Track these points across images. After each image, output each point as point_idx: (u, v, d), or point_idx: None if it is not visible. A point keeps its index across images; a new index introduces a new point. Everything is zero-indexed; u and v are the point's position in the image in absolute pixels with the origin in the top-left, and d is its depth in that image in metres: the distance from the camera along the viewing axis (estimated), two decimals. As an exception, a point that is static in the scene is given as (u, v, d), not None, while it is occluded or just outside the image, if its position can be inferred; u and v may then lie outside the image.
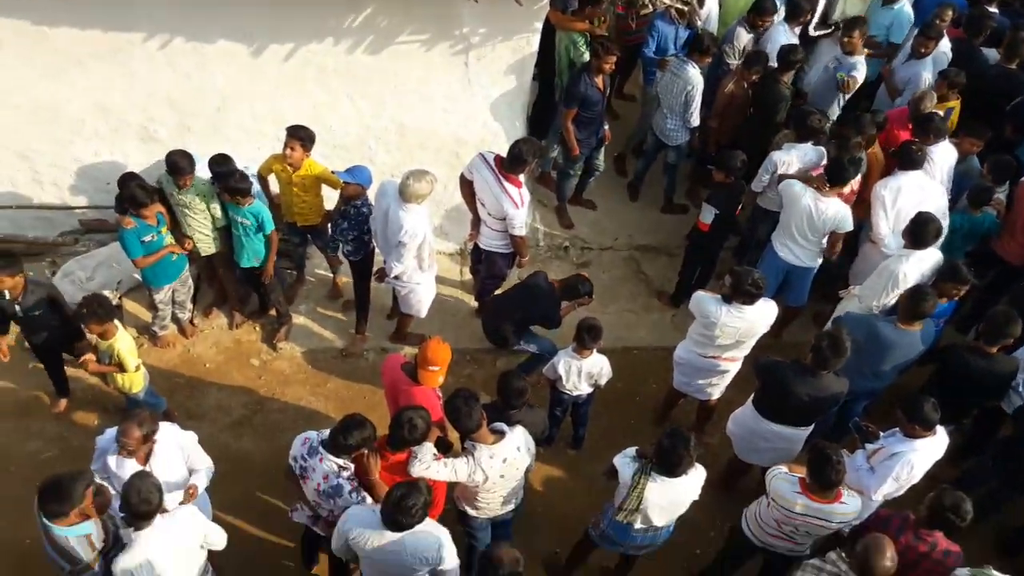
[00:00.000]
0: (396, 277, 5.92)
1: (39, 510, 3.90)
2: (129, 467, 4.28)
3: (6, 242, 6.92)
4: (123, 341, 5.26)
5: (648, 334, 6.89)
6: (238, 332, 6.67)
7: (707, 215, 6.35)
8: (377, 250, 6.13)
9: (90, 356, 5.32)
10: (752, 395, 5.22)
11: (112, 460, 4.32)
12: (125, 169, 6.32)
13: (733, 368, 5.57)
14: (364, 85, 6.47)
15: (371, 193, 5.99)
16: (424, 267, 5.92)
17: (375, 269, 6.30)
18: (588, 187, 7.76)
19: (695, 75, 6.85)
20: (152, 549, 3.90)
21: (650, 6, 7.41)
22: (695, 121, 7.13)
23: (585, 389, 5.54)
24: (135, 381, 5.47)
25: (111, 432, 4.39)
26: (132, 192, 5.54)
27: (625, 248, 7.61)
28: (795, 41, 7.11)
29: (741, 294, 5.14)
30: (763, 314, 5.27)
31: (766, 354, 5.34)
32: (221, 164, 5.89)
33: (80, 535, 3.98)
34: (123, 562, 3.87)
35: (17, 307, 5.29)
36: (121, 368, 5.30)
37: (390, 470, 4.38)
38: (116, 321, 5.24)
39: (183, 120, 6.51)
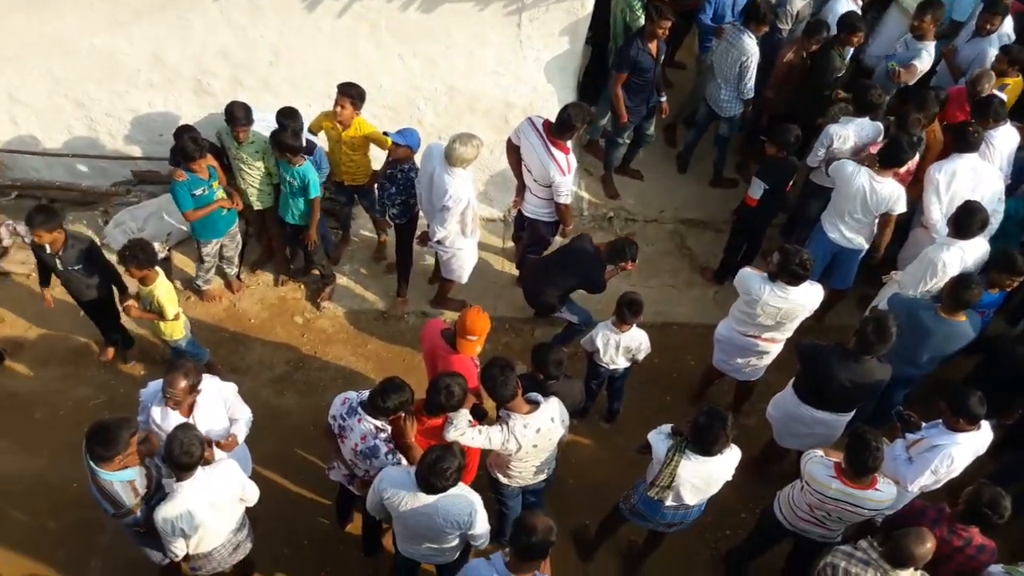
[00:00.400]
0: (439, 242, 5.94)
1: (86, 454, 4.03)
2: (173, 418, 4.40)
3: (61, 190, 7.10)
4: (162, 288, 5.33)
5: (689, 310, 6.82)
6: (283, 289, 6.77)
7: (756, 190, 6.22)
8: (421, 214, 6.14)
9: (132, 302, 5.42)
10: (793, 379, 5.15)
11: (157, 411, 4.44)
12: (179, 121, 6.42)
13: (773, 350, 5.50)
14: (416, 44, 6.43)
15: (418, 157, 5.98)
16: (467, 233, 5.92)
17: (418, 233, 6.32)
18: (636, 157, 7.65)
19: (751, 45, 6.66)
20: (193, 500, 4.02)
21: (709, -30, 7.20)
22: (749, 93, 6.95)
23: (622, 363, 5.52)
24: (175, 329, 5.57)
25: (154, 385, 4.51)
26: (184, 144, 5.60)
27: (670, 221, 7.51)
28: (856, 9, 6.85)
29: (787, 274, 5.05)
30: (808, 296, 5.17)
31: (808, 337, 5.26)
32: (288, 117, 5.82)
33: (124, 480, 4.11)
34: (164, 511, 4.00)
35: (57, 261, 5.40)
36: (161, 316, 5.41)
37: (426, 434, 4.44)
38: (157, 268, 5.32)
39: (236, 74, 6.55)
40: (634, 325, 5.37)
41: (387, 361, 6.30)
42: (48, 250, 5.33)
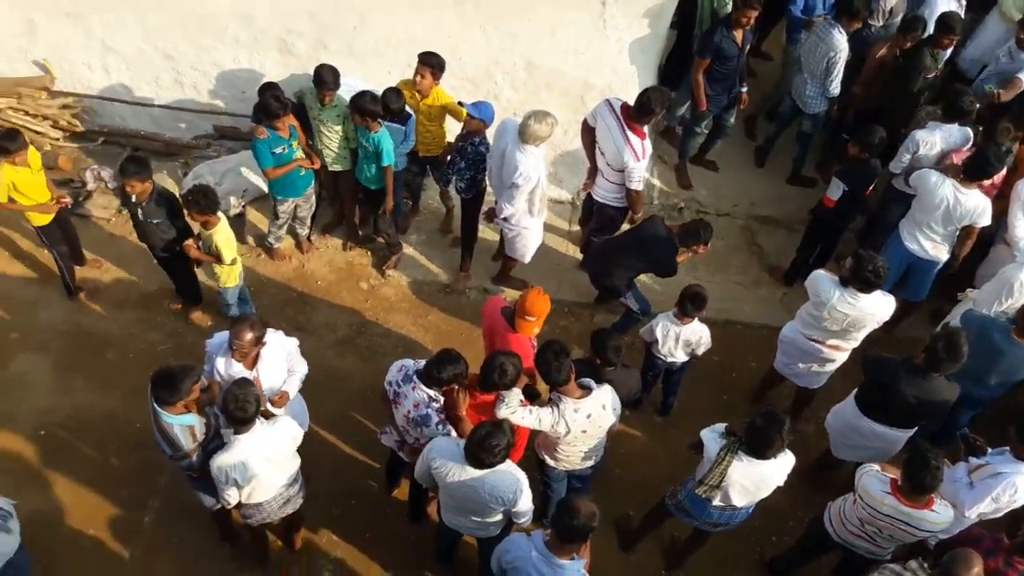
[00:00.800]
0: (505, 219, 5.94)
1: (151, 396, 4.18)
2: (237, 370, 4.53)
3: (145, 139, 7.31)
4: (222, 234, 5.45)
5: (754, 310, 6.68)
6: (351, 254, 6.87)
7: (835, 191, 6.04)
8: (489, 189, 6.14)
9: (191, 242, 5.57)
10: (856, 389, 5.02)
11: (221, 362, 4.57)
12: (262, 79, 6.52)
13: (838, 357, 5.36)
14: (499, 17, 6.40)
15: (491, 132, 5.97)
16: (534, 212, 5.90)
17: (485, 208, 6.33)
18: (713, 148, 7.50)
19: (841, 41, 6.44)
20: (249, 452, 4.15)
21: (806, -40, 6.97)
22: (836, 90, 6.73)
23: (681, 357, 5.46)
24: (230, 275, 5.70)
25: (220, 336, 4.64)
26: (267, 102, 5.69)
27: (743, 216, 7.35)
28: (957, 9, 6.56)
29: (859, 280, 4.90)
30: (878, 306, 5.02)
31: (875, 348, 5.11)
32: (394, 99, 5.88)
33: (184, 425, 4.26)
34: (220, 460, 4.14)
35: (140, 211, 5.55)
36: (219, 259, 5.53)
37: (477, 409, 4.47)
38: (220, 214, 5.44)
39: (320, 36, 6.62)
40: (696, 319, 5.30)
41: (446, 333, 6.36)
42: (134, 199, 5.50)
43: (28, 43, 7.00)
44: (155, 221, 5.57)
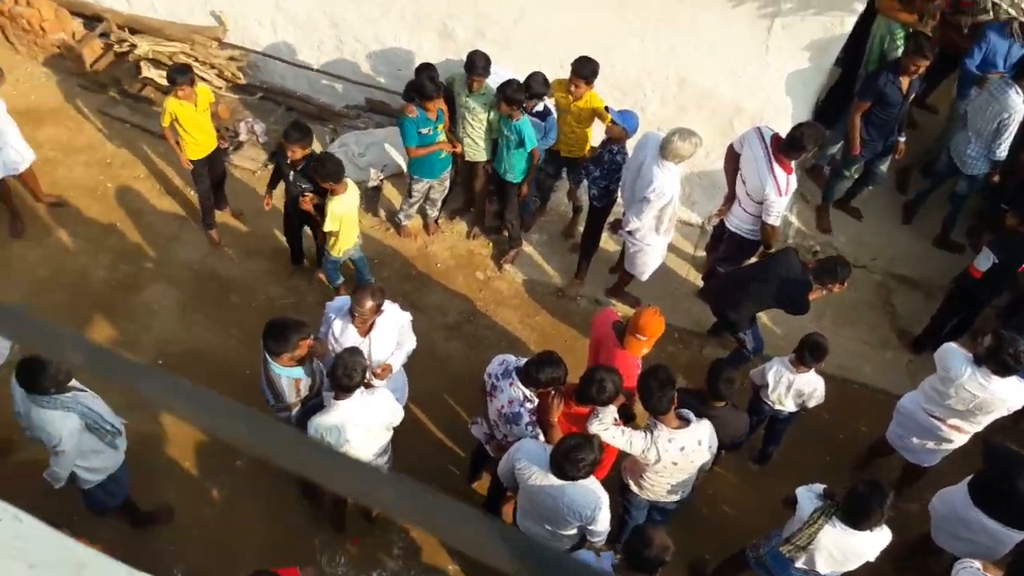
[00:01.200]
0: (630, 232, 5.86)
1: (262, 345, 4.36)
2: (351, 335, 4.66)
3: (300, 101, 7.61)
4: (336, 203, 5.56)
5: (876, 372, 6.34)
6: (473, 243, 6.95)
7: (984, 261, 5.65)
8: (619, 200, 6.07)
9: (310, 196, 5.72)
10: (971, 476, 4.68)
11: (338, 325, 4.71)
12: (419, 59, 6.66)
13: (957, 439, 5.01)
14: (660, 28, 6.30)
15: (631, 143, 5.90)
16: (661, 230, 5.80)
17: (611, 219, 6.27)
18: (860, 195, 7.15)
19: (1017, 102, 6.00)
20: (346, 418, 4.26)
21: (990, 12, 6.53)
22: (1002, 154, 6.27)
23: (790, 407, 5.23)
24: (334, 244, 5.83)
25: (341, 300, 4.79)
26: (422, 82, 5.80)
27: (880, 272, 6.98)
28: None
29: (996, 361, 4.58)
30: (1012, 392, 4.67)
31: (1000, 437, 4.76)
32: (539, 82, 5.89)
33: (291, 377, 4.43)
34: (318, 420, 4.27)
35: (292, 173, 5.77)
36: (321, 221, 5.67)
37: (569, 418, 4.44)
38: (347, 183, 5.56)
39: (480, 25, 6.71)
40: (812, 370, 5.08)
41: (551, 336, 6.35)
42: (289, 161, 5.72)
43: (210, -7, 7.42)
44: (303, 185, 5.77)
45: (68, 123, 7.34)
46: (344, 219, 5.68)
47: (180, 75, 5.76)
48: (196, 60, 7.35)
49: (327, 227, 5.68)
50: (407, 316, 4.96)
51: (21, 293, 6.23)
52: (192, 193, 6.82)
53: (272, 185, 6.10)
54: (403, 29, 7.01)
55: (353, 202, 5.71)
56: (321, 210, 5.67)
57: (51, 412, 4.17)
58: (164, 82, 7.29)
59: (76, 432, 4.26)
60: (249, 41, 7.58)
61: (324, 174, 5.45)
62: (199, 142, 6.10)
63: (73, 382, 4.30)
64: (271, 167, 6.49)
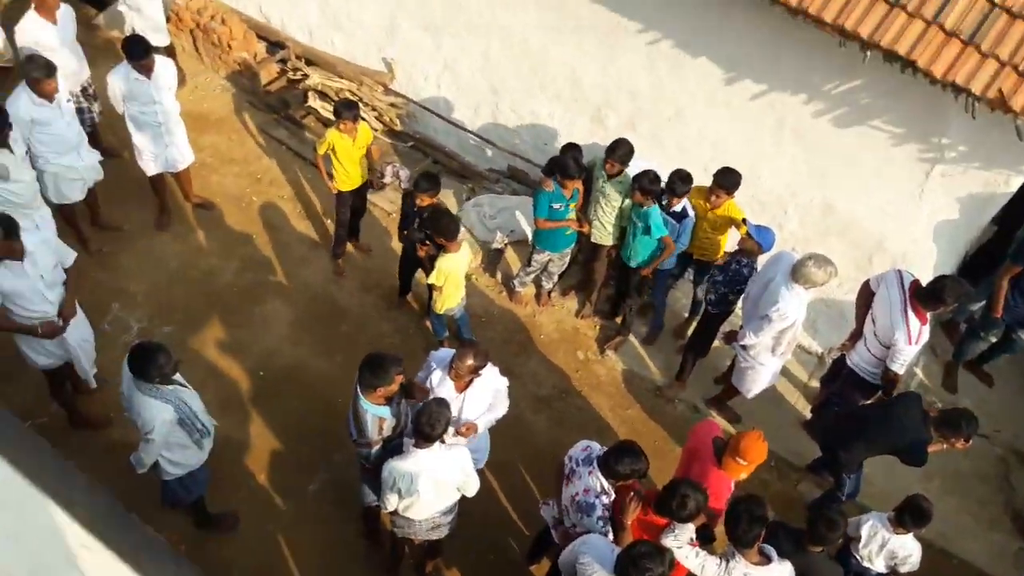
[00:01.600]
0: (745, 347, 5.68)
1: (357, 377, 4.41)
2: (447, 388, 4.68)
3: (446, 156, 7.87)
4: (445, 260, 5.66)
5: (980, 551, 5.84)
6: (580, 322, 6.92)
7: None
8: (739, 311, 5.92)
9: (427, 248, 5.86)
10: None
11: (436, 376, 4.74)
12: (567, 138, 6.79)
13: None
14: (816, 151, 6.20)
15: (762, 257, 5.78)
16: (777, 352, 5.60)
17: (727, 328, 6.11)
18: (995, 361, 6.71)
19: None
20: (421, 468, 4.24)
21: None
22: None
23: (879, 567, 4.85)
24: (438, 299, 5.92)
25: (445, 352, 4.83)
26: (566, 161, 5.89)
27: (1003, 446, 6.47)
28: None
29: None
30: None
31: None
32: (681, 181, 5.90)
33: (376, 415, 4.45)
34: (394, 464, 4.27)
35: (417, 219, 5.96)
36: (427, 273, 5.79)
37: (643, 525, 4.26)
38: (460, 242, 5.67)
39: (634, 116, 6.80)
40: (911, 534, 4.71)
41: (640, 434, 6.17)
42: (415, 208, 5.91)
43: (386, 41, 7.84)
44: (422, 234, 5.92)
45: (231, 134, 7.84)
46: (450, 277, 5.77)
47: (347, 110, 6.06)
48: (360, 100, 7.73)
49: (432, 280, 5.81)
50: (504, 382, 4.95)
51: (151, 281, 6.59)
52: (329, 221, 7.10)
53: (403, 226, 6.29)
54: (558, 107, 7.19)
55: (462, 263, 5.81)
56: (433, 261, 5.80)
57: (151, 400, 4.32)
58: (326, 113, 7.74)
59: (168, 424, 4.40)
60: (412, 92, 7.94)
61: (438, 230, 5.59)
62: (349, 175, 6.37)
63: (177, 376, 4.47)
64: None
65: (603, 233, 6.37)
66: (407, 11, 7.56)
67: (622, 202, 6.16)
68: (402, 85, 7.98)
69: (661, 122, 6.71)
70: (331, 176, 6.43)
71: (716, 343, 6.29)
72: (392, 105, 7.94)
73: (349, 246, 6.98)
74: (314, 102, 7.91)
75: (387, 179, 7.48)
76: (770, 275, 5.46)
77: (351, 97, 7.56)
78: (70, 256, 5.10)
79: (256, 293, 6.69)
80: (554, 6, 6.68)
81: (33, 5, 6.20)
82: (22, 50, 6.21)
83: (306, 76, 7.97)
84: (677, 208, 5.97)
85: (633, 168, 6.10)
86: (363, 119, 7.21)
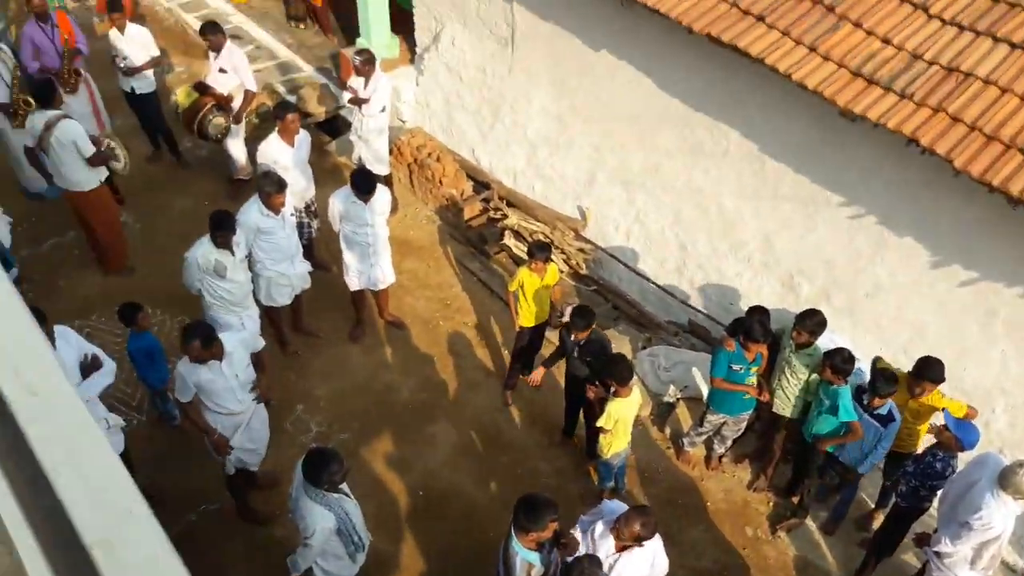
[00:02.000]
0: (938, 553, 5.11)
1: (512, 519, 4.34)
2: (607, 544, 4.51)
3: (626, 303, 7.92)
4: (617, 405, 5.59)
5: None
6: (752, 495, 6.53)
7: None
8: (933, 511, 5.38)
9: (596, 388, 5.82)
10: None
11: (599, 528, 4.60)
12: (752, 300, 6.68)
13: None
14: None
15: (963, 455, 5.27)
16: (978, 567, 5.00)
17: (920, 530, 5.53)
18: None
19: None
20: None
21: None
22: None
23: None
24: (605, 444, 5.80)
25: (616, 504, 4.69)
26: (752, 324, 5.75)
27: None
28: None
29: None
30: None
31: None
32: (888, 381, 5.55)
33: (525, 559, 4.32)
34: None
35: (576, 349, 6.03)
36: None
37: None
38: (631, 387, 5.61)
39: (828, 287, 6.60)
40: None
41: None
42: (573, 337, 5.99)
43: (583, 191, 8.18)
44: (587, 359, 5.99)
45: (429, 261, 8.32)
46: (620, 421, 5.71)
47: (540, 251, 6.30)
48: (552, 242, 8.02)
49: (601, 422, 5.75)
50: (665, 562, 4.68)
51: (336, 387, 6.94)
52: (506, 353, 7.26)
53: (552, 360, 6.36)
54: (748, 269, 7.11)
55: (633, 408, 5.75)
56: (602, 404, 5.75)
57: (315, 505, 4.44)
58: (519, 252, 8.07)
59: (328, 532, 4.48)
60: (601, 239, 8.15)
61: (612, 373, 5.58)
62: (533, 312, 6.55)
63: (344, 485, 4.59)
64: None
65: (785, 404, 6.08)
66: (607, 167, 7.89)
67: (808, 375, 5.89)
68: (593, 232, 8.23)
69: (857, 297, 6.46)
70: (516, 311, 6.62)
71: (905, 541, 5.71)
72: (581, 250, 8.17)
73: (521, 379, 7.06)
74: (509, 240, 8.29)
75: (565, 318, 7.61)
76: (974, 477, 4.95)
77: (544, 239, 7.86)
78: (260, 342, 5.54)
79: (428, 412, 6.86)
80: (753, 175, 6.74)
81: (277, 129, 7.02)
82: (260, 166, 7.00)
83: (505, 216, 8.40)
84: (881, 410, 5.54)
85: (824, 341, 5.84)
86: (552, 260, 7.47)
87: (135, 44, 8.08)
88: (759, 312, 6.02)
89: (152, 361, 5.99)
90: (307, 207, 7.41)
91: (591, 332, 5.95)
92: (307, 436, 6.51)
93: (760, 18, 5.88)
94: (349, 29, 10.25)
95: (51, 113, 6.72)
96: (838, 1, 5.82)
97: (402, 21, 9.65)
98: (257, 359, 5.46)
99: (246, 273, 6.22)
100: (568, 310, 7.61)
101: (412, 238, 8.52)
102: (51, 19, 7.80)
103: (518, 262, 7.82)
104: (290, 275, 6.62)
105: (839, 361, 5.48)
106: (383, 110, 7.85)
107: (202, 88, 7.80)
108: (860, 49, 5.64)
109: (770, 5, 5.92)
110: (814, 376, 5.84)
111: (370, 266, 6.91)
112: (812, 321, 5.77)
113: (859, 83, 5.52)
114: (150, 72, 8.30)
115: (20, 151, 7.34)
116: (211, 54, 7.89)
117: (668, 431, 6.93)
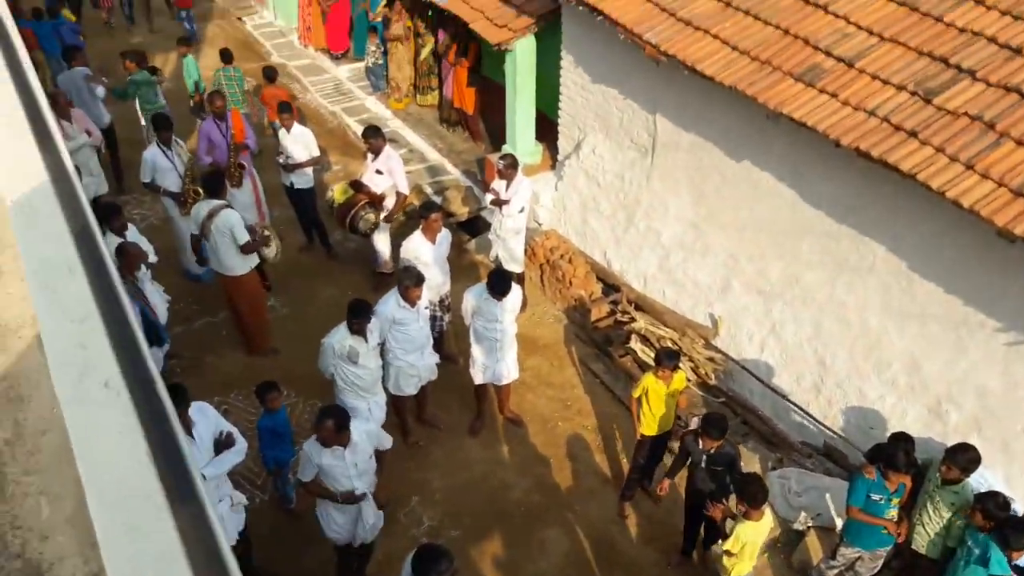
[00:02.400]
0: None
1: None
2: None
3: (759, 419, 7.57)
4: (746, 528, 5.28)
5: None
6: (887, 641, 5.93)
7: None
8: None
9: (720, 507, 5.57)
10: None
11: None
12: (896, 426, 6.24)
13: None
14: None
15: None
16: None
17: None
18: None
19: None
20: None
21: None
22: None
23: None
24: (729, 567, 5.48)
25: None
26: (895, 452, 5.36)
27: None
28: None
29: None
30: None
31: None
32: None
33: None
34: None
35: (703, 461, 5.79)
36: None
37: None
38: (765, 514, 5.32)
39: (980, 416, 6.08)
40: None
41: None
42: (701, 446, 5.78)
43: (717, 298, 8.00)
44: (717, 468, 5.76)
45: (553, 360, 8.30)
46: (748, 546, 5.38)
47: (668, 359, 6.17)
48: (680, 349, 7.84)
49: (727, 546, 5.45)
50: None
51: (451, 481, 6.94)
52: (625, 461, 7.05)
53: (675, 470, 6.15)
54: (891, 393, 6.67)
55: (763, 534, 5.43)
56: (725, 524, 5.48)
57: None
58: (644, 356, 7.93)
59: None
60: (733, 350, 7.90)
61: (745, 493, 5.30)
62: (657, 420, 6.38)
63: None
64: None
65: (925, 542, 5.57)
66: (743, 275, 7.71)
67: (953, 515, 5.38)
68: (724, 342, 7.99)
69: (1014, 431, 5.90)
70: (638, 419, 6.46)
71: None
72: (710, 359, 7.94)
73: (638, 490, 6.83)
74: (635, 344, 8.17)
75: (692, 427, 7.35)
76: None
77: (672, 346, 7.70)
78: (388, 441, 5.60)
79: (540, 516, 6.71)
80: (901, 292, 6.41)
81: (421, 227, 7.32)
82: (402, 261, 7.30)
83: (633, 320, 8.32)
84: (1020, 562, 5.03)
85: (974, 477, 5.35)
86: (680, 368, 7.28)
87: (298, 144, 8.77)
88: (903, 439, 5.60)
89: (277, 440, 6.20)
90: (441, 301, 7.63)
91: (723, 444, 5.72)
92: (419, 529, 6.50)
93: (913, 133, 5.70)
94: (497, 136, 10.73)
95: (215, 202, 7.33)
96: (998, 118, 5.57)
97: (547, 129, 10.02)
98: (379, 456, 5.56)
99: (377, 360, 6.41)
100: (694, 421, 7.37)
101: (538, 336, 8.56)
102: (227, 118, 8.60)
103: (643, 367, 7.67)
104: (419, 366, 6.78)
105: (992, 506, 4.99)
106: (521, 211, 8.08)
107: (357, 186, 8.31)
108: (1022, 168, 5.34)
109: (924, 121, 5.74)
110: (958, 520, 5.32)
111: (496, 361, 6.97)
112: (964, 457, 5.32)
113: (1021, 203, 5.20)
114: (309, 169, 8.96)
115: (185, 236, 8.01)
116: (369, 155, 8.42)
117: (796, 561, 6.45)
